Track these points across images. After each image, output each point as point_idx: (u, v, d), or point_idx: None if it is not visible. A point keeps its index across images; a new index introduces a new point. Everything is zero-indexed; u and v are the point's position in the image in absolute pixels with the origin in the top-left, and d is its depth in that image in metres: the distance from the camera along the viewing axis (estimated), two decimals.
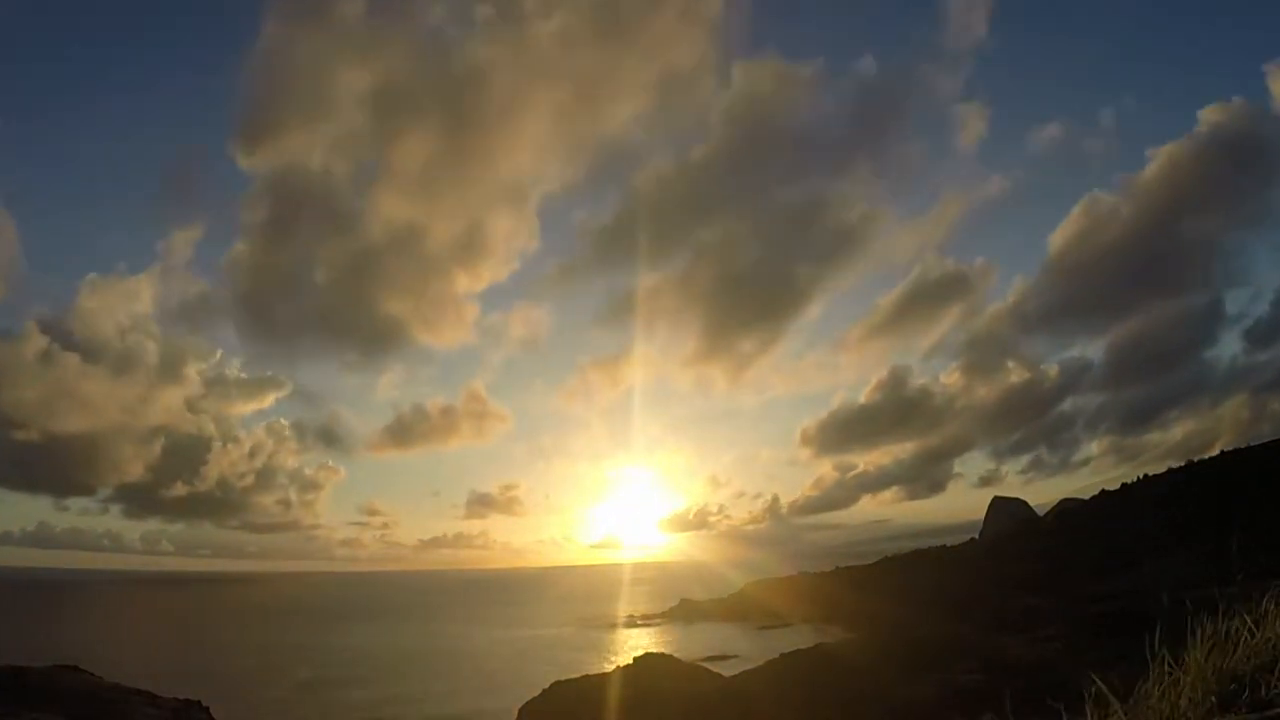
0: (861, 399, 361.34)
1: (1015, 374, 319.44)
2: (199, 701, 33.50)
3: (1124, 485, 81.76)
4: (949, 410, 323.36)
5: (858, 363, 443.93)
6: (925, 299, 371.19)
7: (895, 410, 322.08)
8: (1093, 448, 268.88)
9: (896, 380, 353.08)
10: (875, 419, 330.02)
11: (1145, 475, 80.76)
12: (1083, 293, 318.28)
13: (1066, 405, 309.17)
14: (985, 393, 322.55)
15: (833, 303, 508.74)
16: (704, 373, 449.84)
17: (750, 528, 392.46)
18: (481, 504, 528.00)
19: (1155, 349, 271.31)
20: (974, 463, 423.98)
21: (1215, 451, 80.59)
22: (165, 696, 32.38)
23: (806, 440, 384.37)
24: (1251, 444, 75.42)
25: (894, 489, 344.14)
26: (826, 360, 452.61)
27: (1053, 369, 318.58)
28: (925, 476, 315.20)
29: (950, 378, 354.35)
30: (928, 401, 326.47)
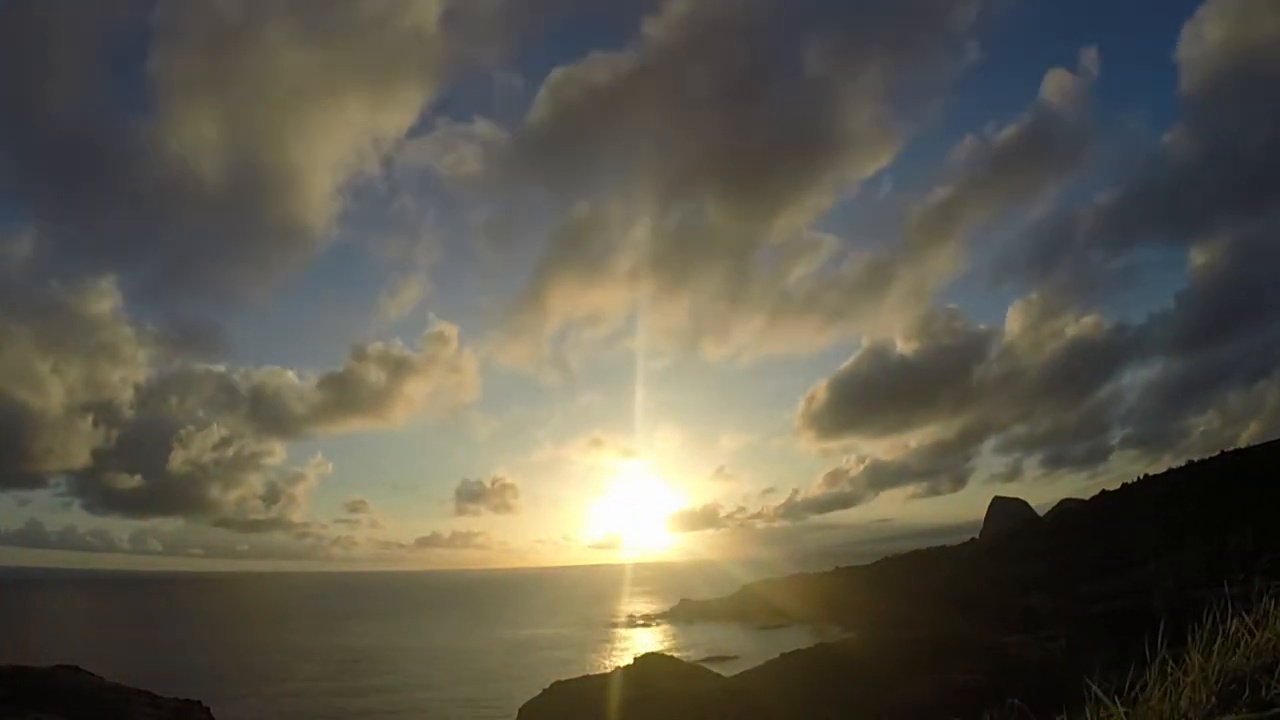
0: (899, 346, 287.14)
1: (1082, 325, 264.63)
2: (199, 701, 33.46)
3: (1124, 485, 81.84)
4: (999, 376, 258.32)
5: (898, 291, 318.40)
6: (1019, 160, 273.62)
7: (934, 372, 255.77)
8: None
9: (940, 324, 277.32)
10: (910, 381, 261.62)
11: (1145, 475, 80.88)
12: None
13: (1125, 378, 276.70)
14: (1046, 348, 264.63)
15: (888, 166, 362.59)
16: (705, 310, 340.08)
17: (762, 525, 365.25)
18: (471, 498, 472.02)
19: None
20: (1008, 454, 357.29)
21: (1216, 452, 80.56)
22: (165, 696, 32.37)
23: (817, 416, 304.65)
24: (1252, 444, 75.49)
25: (913, 485, 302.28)
26: (863, 279, 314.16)
27: (1124, 322, 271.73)
28: (949, 469, 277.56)
29: (1014, 324, 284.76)
30: (979, 361, 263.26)
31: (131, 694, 30.89)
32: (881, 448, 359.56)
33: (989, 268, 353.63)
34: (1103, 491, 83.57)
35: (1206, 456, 77.50)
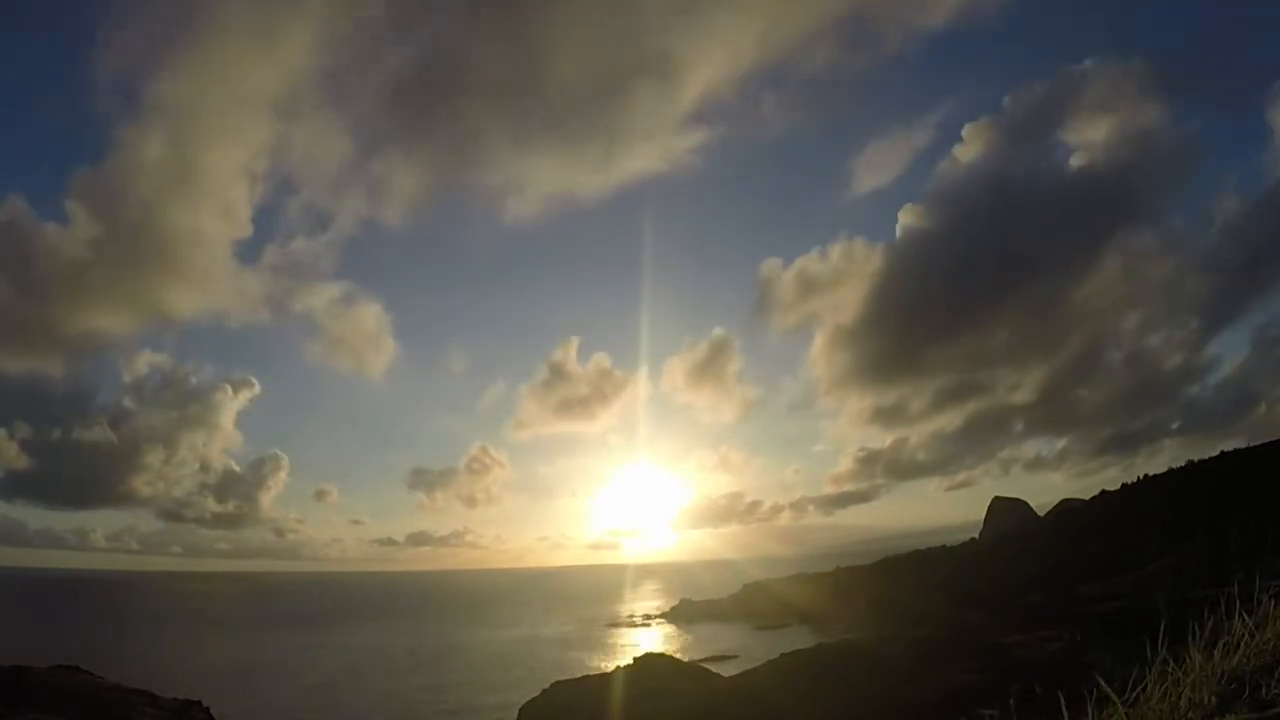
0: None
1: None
2: (199, 701, 33.50)
3: (1124, 485, 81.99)
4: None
5: None
6: None
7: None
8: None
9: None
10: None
11: (1145, 475, 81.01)
12: None
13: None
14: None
15: None
16: None
17: (779, 522, 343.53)
18: (428, 484, 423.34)
19: None
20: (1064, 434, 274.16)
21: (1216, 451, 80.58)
22: (165, 697, 32.39)
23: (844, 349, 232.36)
24: (1251, 444, 75.59)
25: (944, 476, 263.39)
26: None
27: None
28: (992, 453, 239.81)
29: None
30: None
31: (131, 694, 30.93)
32: (922, 416, 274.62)
33: None
34: (1103, 491, 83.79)
35: (1207, 456, 77.69)
